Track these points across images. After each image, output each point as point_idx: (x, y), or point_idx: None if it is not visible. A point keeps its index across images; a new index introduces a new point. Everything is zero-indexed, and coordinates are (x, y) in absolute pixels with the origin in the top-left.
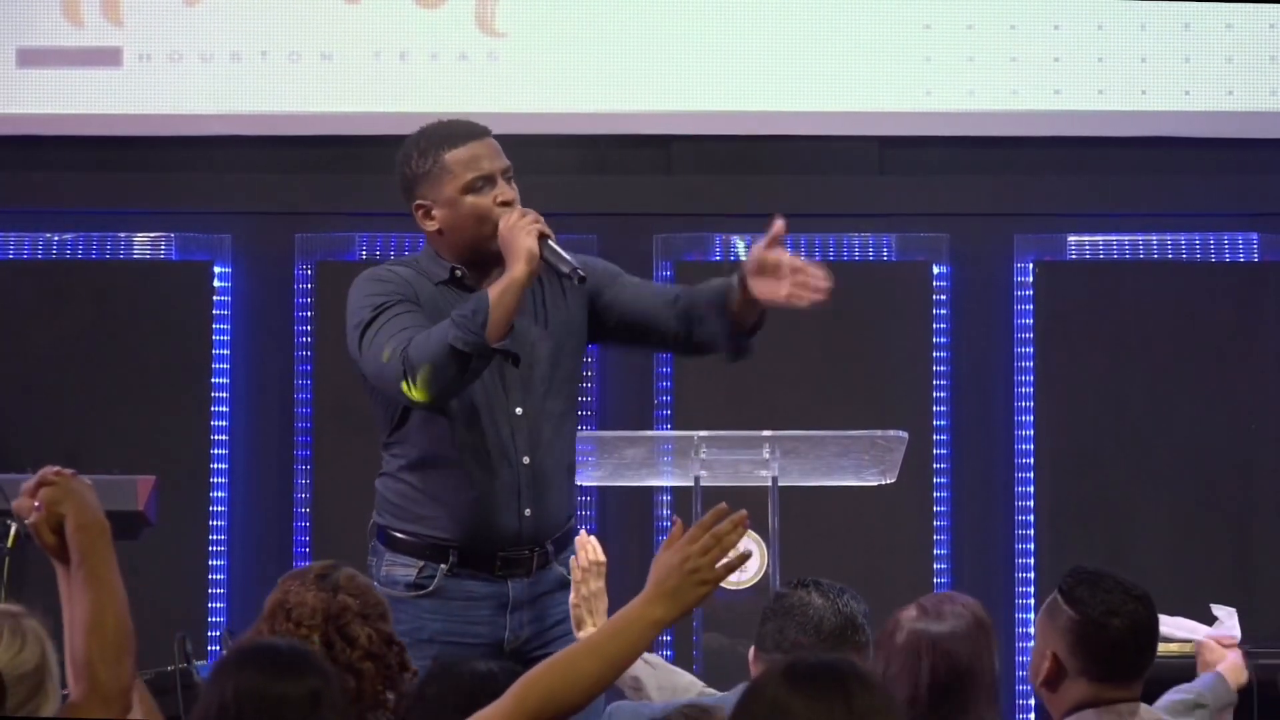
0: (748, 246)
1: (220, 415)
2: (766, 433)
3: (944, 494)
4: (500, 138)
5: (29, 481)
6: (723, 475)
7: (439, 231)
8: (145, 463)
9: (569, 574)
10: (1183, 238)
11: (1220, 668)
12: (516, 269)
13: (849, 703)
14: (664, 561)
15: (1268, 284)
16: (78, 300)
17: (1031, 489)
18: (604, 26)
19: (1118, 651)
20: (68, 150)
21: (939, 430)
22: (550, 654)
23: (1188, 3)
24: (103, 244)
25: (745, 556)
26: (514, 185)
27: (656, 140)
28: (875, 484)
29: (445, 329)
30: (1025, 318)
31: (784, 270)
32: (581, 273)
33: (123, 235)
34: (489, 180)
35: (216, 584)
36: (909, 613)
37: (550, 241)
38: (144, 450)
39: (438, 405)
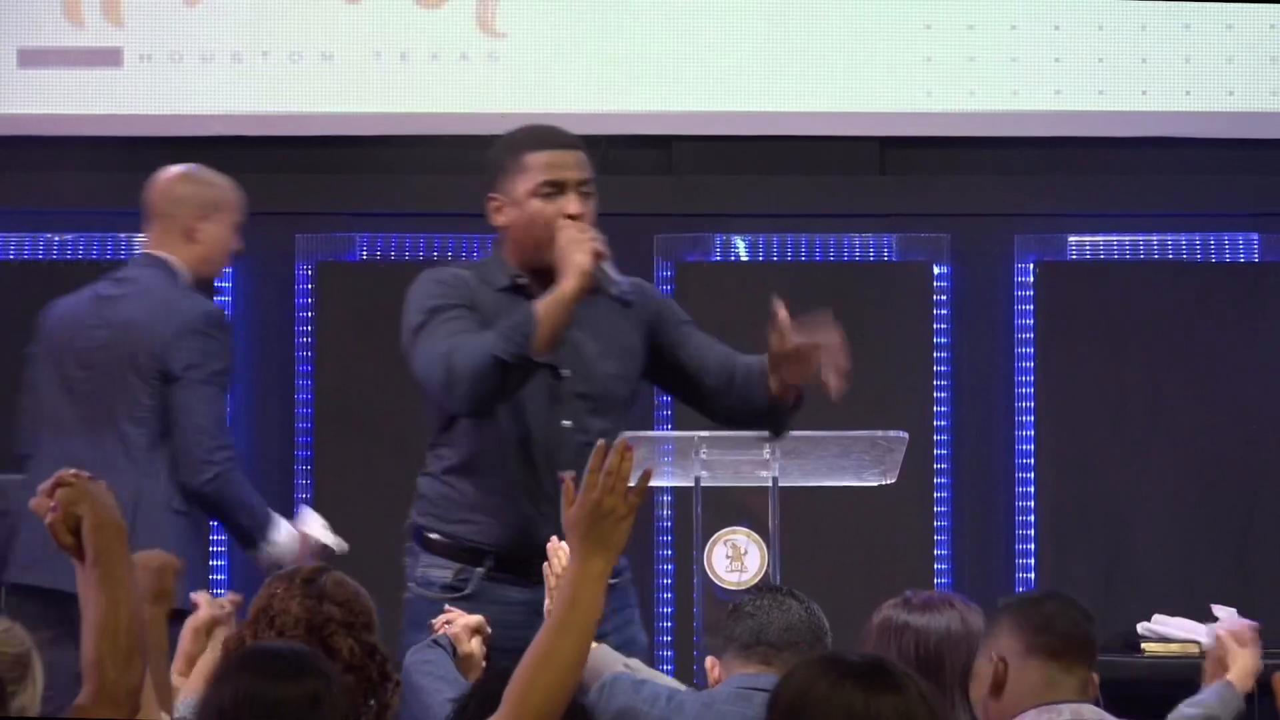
0: (748, 247)
1: None
2: (767, 433)
3: (944, 494)
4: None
5: (46, 483)
6: (723, 476)
7: (504, 229)
8: None
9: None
10: (1183, 238)
11: (1230, 674)
12: (567, 284)
13: (900, 694)
14: (576, 517)
15: (1269, 284)
16: None
17: (1032, 489)
18: (604, 27)
19: (1057, 621)
20: (68, 150)
21: (939, 430)
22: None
23: (1188, 3)
24: (103, 244)
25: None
26: (590, 202)
27: (657, 140)
28: (876, 484)
29: (491, 339)
30: (1026, 318)
31: (809, 355)
32: (629, 297)
33: (123, 236)
34: (559, 188)
35: (217, 583)
36: (893, 600)
37: (604, 264)
38: None
39: (479, 413)
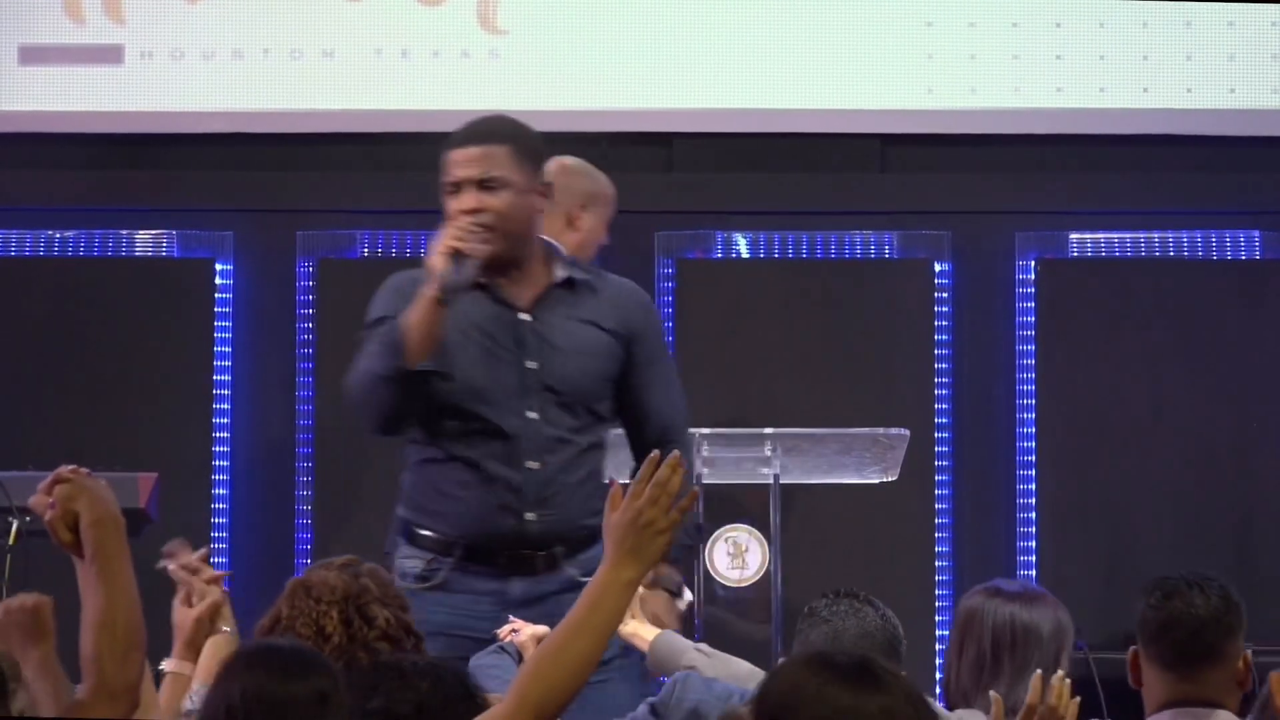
0: (749, 244)
1: (222, 413)
2: (768, 430)
3: (945, 491)
4: None
5: (45, 480)
6: (725, 473)
7: None
8: (147, 460)
9: (581, 576)
10: (1184, 235)
11: None
12: (427, 288)
13: (882, 693)
14: (617, 523)
15: (1269, 281)
16: (79, 298)
17: (1033, 486)
18: (605, 24)
19: (1171, 633)
20: (69, 148)
21: (941, 428)
22: None
23: (1190, 1)
24: (104, 241)
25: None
26: (497, 195)
27: (658, 137)
28: (877, 481)
29: (371, 356)
30: (1027, 315)
31: None
32: (448, 298)
33: (124, 233)
34: (457, 186)
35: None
36: (981, 589)
37: (466, 260)
38: (146, 447)
39: (389, 432)
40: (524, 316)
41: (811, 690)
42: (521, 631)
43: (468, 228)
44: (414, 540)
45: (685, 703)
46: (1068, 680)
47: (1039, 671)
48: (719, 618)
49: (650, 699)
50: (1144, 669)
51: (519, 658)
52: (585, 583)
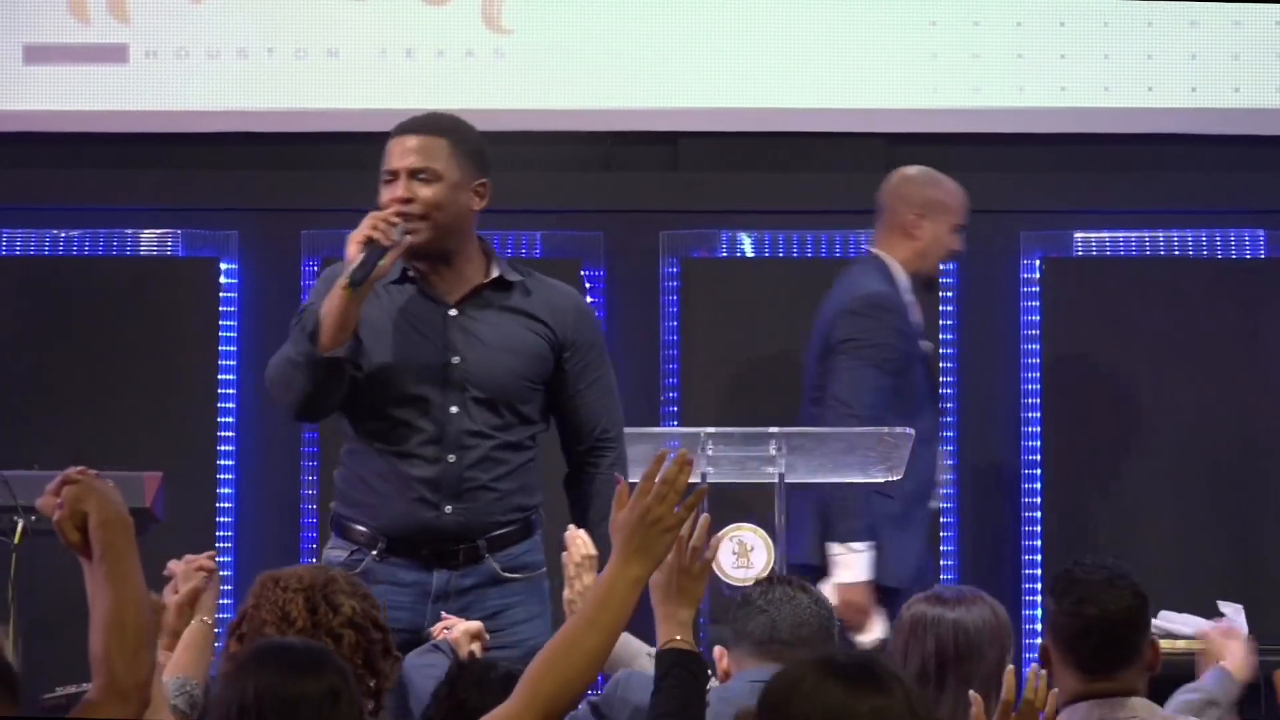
0: (754, 243)
1: (227, 411)
2: (773, 429)
3: (950, 490)
4: (506, 134)
5: (53, 481)
6: (729, 472)
7: None
8: (152, 459)
9: (505, 572)
10: (1189, 234)
11: (1225, 663)
12: (341, 278)
13: (882, 694)
14: (624, 520)
15: (1274, 280)
16: (85, 297)
17: (1038, 485)
18: (610, 23)
19: (1091, 638)
20: (74, 147)
21: (945, 426)
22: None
23: (1195, 1)
24: (109, 241)
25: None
26: (430, 187)
27: (663, 137)
28: (882, 480)
29: (288, 341)
30: (1032, 314)
31: None
32: (356, 286)
33: (129, 232)
34: (393, 175)
35: (223, 580)
36: (921, 595)
37: (380, 249)
38: (151, 446)
39: (304, 417)
40: (451, 312)
41: (807, 686)
42: (455, 628)
43: (389, 217)
44: (345, 533)
45: (629, 702)
46: (1043, 671)
47: (1011, 667)
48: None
49: (591, 697)
50: (1056, 666)
51: (454, 655)
52: (508, 578)
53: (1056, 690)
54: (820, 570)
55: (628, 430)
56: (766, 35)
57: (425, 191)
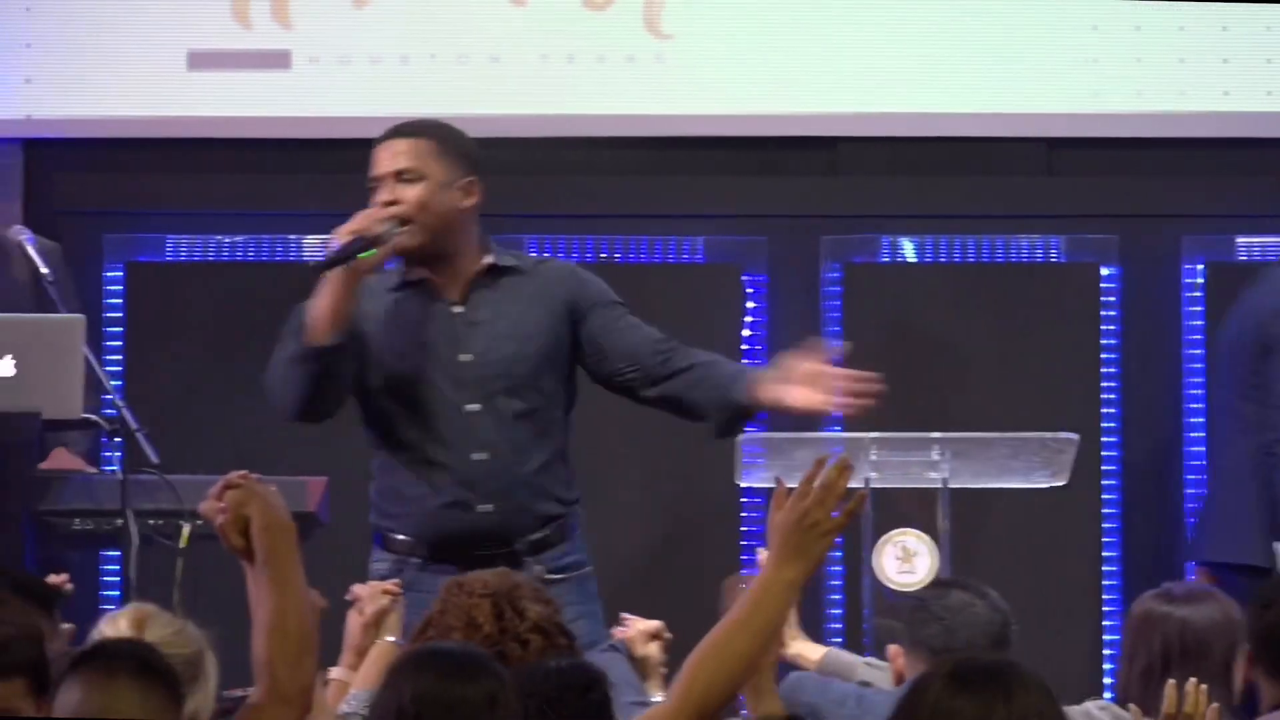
0: (916, 248)
1: None
2: (937, 434)
3: (1113, 496)
4: (666, 139)
5: (215, 485)
6: (892, 477)
7: None
8: (316, 463)
9: (549, 573)
10: None
11: None
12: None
13: (1010, 703)
14: (781, 522)
15: None
16: (248, 302)
17: (1201, 491)
18: (771, 28)
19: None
20: (237, 152)
21: (1108, 432)
22: None
23: None
24: (272, 246)
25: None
26: (414, 188)
27: (823, 142)
28: (1045, 486)
29: (280, 345)
30: (1195, 319)
31: (824, 381)
32: (314, 267)
33: (292, 238)
34: (379, 181)
35: None
36: (1153, 592)
37: (362, 238)
38: (315, 451)
39: (304, 417)
40: (455, 309)
41: (932, 696)
42: (630, 627)
43: (377, 214)
44: (386, 545)
45: (800, 705)
46: (1203, 687)
47: (1172, 681)
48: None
49: None
50: (1260, 675)
51: (628, 655)
52: (553, 579)
53: (1217, 705)
54: (1267, 572)
55: (790, 434)
56: (926, 39)
57: (410, 192)
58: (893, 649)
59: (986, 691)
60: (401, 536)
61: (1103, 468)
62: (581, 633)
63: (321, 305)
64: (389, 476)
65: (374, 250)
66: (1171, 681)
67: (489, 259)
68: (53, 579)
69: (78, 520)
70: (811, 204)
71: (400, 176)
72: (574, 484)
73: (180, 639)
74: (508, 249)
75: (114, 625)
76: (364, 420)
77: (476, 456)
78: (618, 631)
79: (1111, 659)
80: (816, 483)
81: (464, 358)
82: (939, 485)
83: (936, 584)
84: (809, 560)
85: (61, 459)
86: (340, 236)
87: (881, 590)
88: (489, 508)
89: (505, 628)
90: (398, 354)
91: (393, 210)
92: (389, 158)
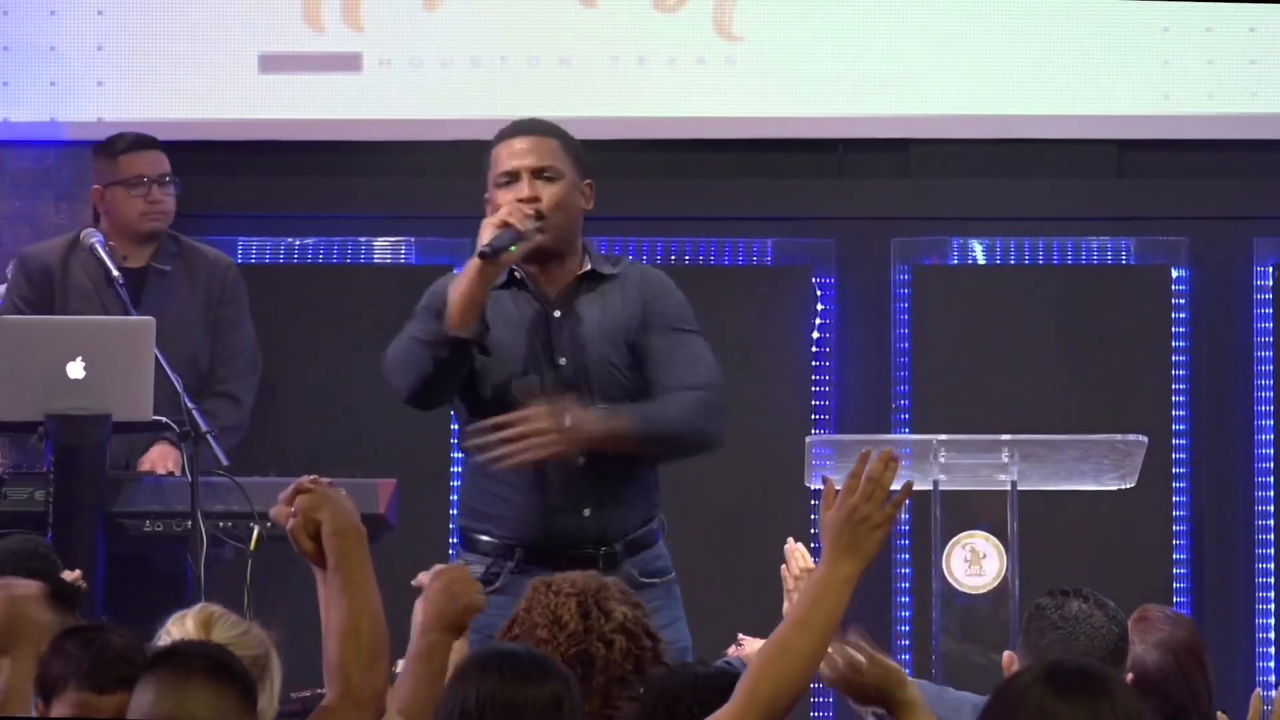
0: (986, 250)
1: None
2: (1006, 436)
3: (1183, 498)
4: (738, 142)
5: (286, 490)
6: (961, 479)
7: None
8: (386, 465)
9: (642, 576)
10: None
11: None
12: (471, 261)
13: (1114, 708)
14: (832, 520)
15: None
16: (318, 304)
17: (1272, 493)
18: (841, 30)
19: None
20: (309, 155)
21: (1178, 434)
22: None
23: None
24: (343, 249)
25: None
26: (554, 186)
27: (894, 144)
28: (1115, 488)
29: (412, 324)
30: (1265, 321)
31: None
32: (481, 254)
33: (363, 240)
34: (514, 176)
35: None
36: None
37: (515, 231)
38: (385, 453)
39: (420, 402)
40: (555, 313)
41: (1049, 707)
42: (745, 646)
43: (523, 208)
44: (473, 546)
45: None
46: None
47: (1258, 691)
48: (956, 626)
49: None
50: None
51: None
52: (646, 583)
53: None
54: None
55: (859, 436)
56: (997, 41)
57: (550, 189)
58: (1007, 655)
59: (1088, 693)
60: (494, 539)
61: (1173, 470)
62: (670, 640)
63: (461, 291)
64: (482, 478)
65: (517, 245)
66: (1258, 691)
67: (588, 265)
68: (68, 575)
69: (148, 522)
70: (882, 206)
71: (540, 174)
72: (659, 493)
73: (247, 640)
74: (602, 254)
75: (181, 626)
76: (464, 418)
77: (579, 460)
78: (733, 650)
79: None
80: (863, 478)
81: (560, 361)
82: (1008, 487)
83: (1054, 592)
84: (863, 555)
85: (165, 454)
86: (488, 228)
87: (950, 593)
88: (591, 511)
89: (590, 627)
90: (501, 354)
91: (538, 207)
92: (526, 153)
